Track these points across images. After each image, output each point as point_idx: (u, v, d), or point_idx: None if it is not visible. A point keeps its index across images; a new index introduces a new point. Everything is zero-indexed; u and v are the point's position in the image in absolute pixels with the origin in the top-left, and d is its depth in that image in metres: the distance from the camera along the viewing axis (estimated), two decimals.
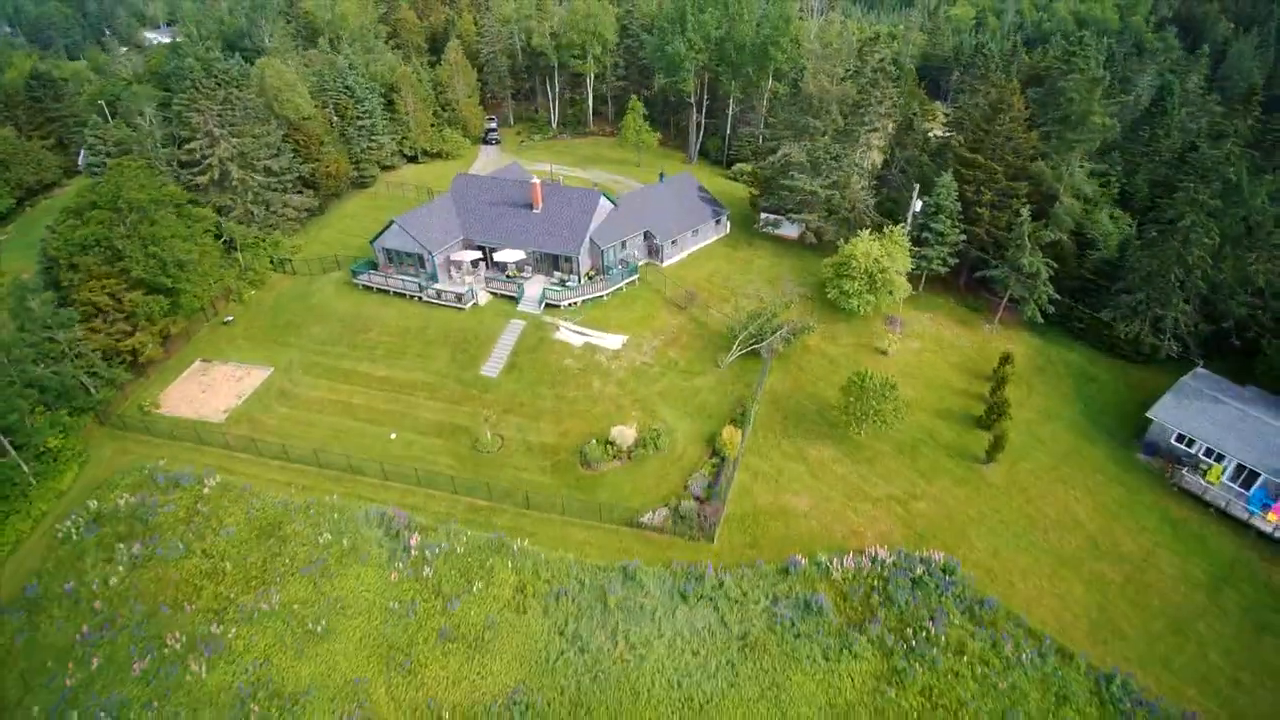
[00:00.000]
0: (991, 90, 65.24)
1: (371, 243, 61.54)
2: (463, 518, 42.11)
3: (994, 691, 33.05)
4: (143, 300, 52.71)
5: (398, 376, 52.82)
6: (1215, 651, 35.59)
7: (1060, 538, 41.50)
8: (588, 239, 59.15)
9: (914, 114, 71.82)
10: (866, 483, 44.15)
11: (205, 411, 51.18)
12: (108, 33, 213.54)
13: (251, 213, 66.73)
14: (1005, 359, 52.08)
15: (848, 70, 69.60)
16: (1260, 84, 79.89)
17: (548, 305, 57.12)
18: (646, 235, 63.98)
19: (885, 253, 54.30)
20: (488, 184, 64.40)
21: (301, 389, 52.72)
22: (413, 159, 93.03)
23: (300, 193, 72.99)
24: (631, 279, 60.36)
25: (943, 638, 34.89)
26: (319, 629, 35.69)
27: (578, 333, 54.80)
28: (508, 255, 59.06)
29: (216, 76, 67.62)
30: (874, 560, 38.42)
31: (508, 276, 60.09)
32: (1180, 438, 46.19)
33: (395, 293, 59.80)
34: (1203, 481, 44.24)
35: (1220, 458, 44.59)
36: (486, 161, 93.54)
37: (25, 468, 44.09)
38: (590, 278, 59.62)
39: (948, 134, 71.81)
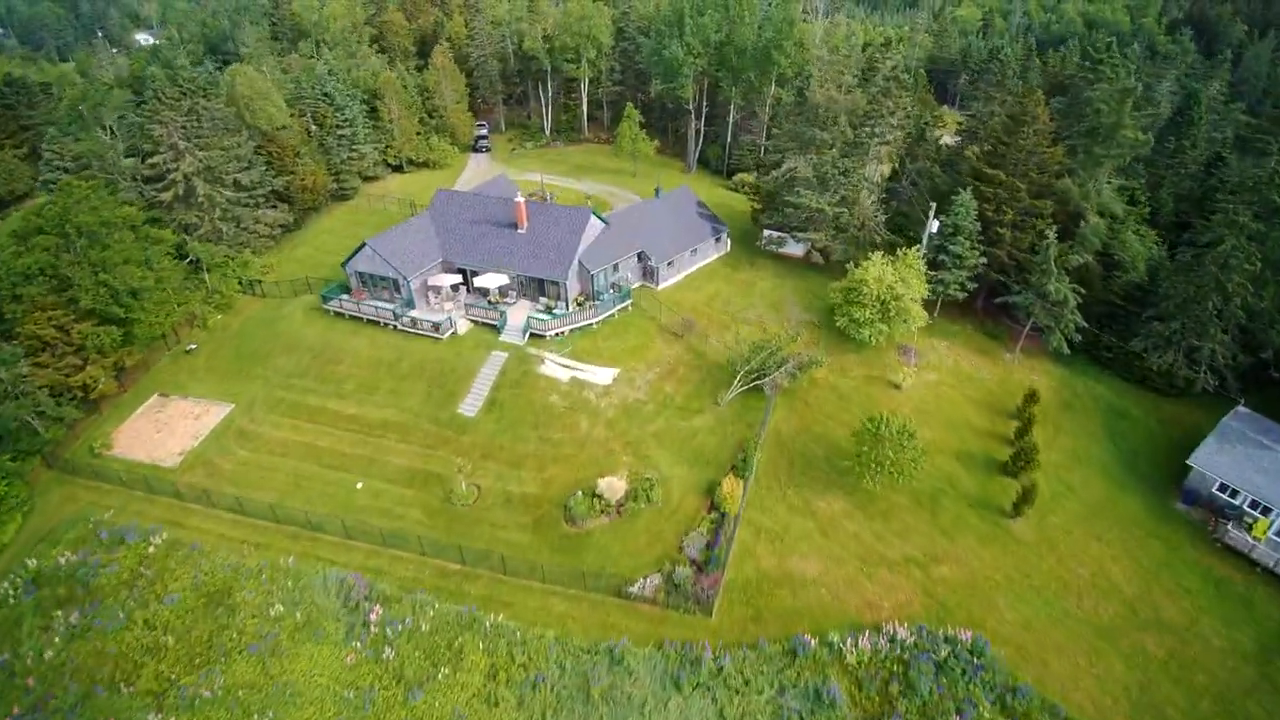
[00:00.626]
0: (1009, 99, 60.92)
1: (343, 265, 56.93)
2: (431, 584, 37.83)
3: None
4: (93, 332, 48.72)
5: (368, 415, 48.49)
6: None
7: (1096, 604, 37.75)
8: (576, 261, 54.73)
9: (926, 124, 67.50)
10: (882, 541, 39.89)
11: (159, 454, 47.08)
12: (100, 34, 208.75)
13: (220, 230, 62.23)
14: (1030, 396, 47.64)
15: (856, 77, 65.12)
16: None
17: (532, 335, 52.65)
18: (640, 256, 59.29)
19: (899, 278, 49.97)
20: (470, 201, 59.82)
21: (264, 428, 48.41)
22: (398, 169, 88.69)
23: (274, 207, 68.57)
24: (624, 305, 55.82)
25: None
26: None
27: (564, 366, 50.47)
28: (489, 280, 54.53)
29: (181, 85, 63.39)
30: (892, 640, 34.15)
31: (490, 303, 55.69)
32: (1223, 487, 42.30)
33: (368, 320, 55.27)
34: (1249, 538, 40.24)
35: (1267, 510, 40.78)
36: (475, 171, 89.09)
37: None
38: (579, 304, 55.21)
39: (959, 142, 67.36)
